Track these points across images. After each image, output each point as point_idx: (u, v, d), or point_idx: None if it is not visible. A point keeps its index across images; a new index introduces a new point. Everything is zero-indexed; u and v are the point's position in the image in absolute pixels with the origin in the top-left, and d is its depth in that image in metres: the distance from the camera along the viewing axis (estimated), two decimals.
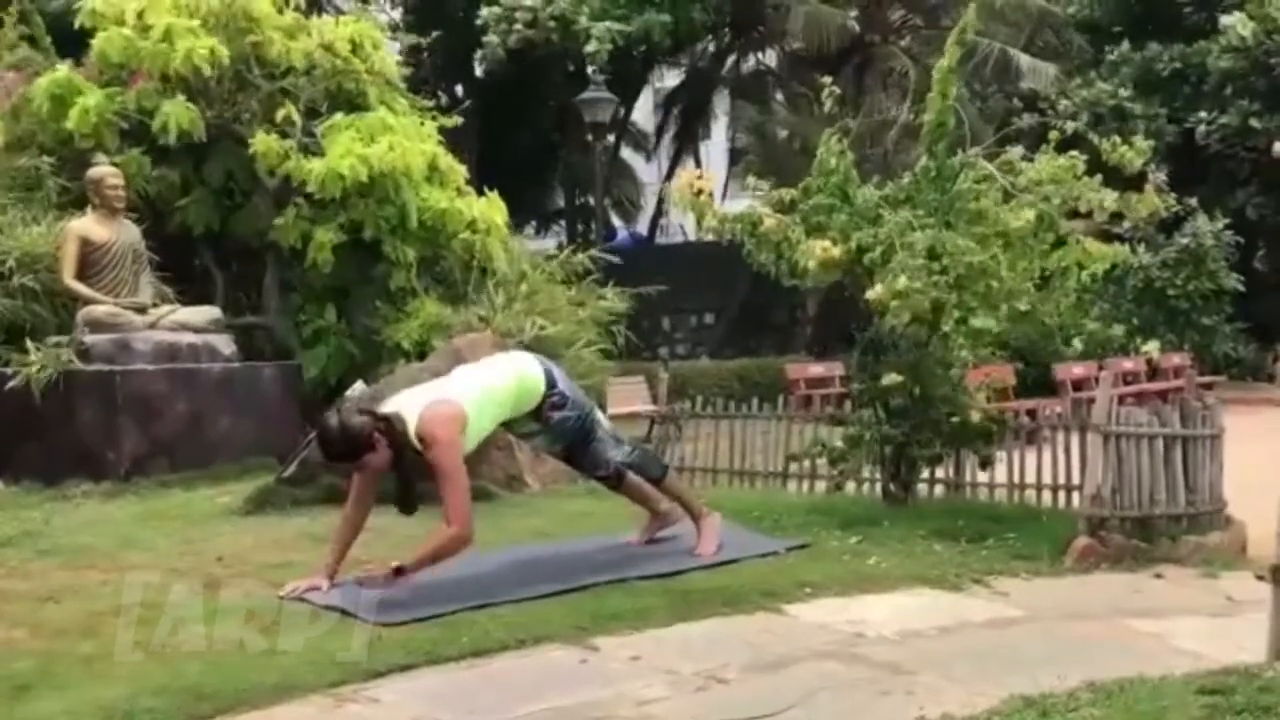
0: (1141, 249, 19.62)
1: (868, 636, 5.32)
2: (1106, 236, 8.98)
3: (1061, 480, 7.99)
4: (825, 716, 4.37)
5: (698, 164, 26.21)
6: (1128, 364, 17.92)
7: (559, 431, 6.21)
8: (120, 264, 9.58)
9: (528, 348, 8.44)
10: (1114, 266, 8.78)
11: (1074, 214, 8.12)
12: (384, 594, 5.41)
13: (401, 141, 10.50)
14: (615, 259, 12.63)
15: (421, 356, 9.40)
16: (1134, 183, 8.17)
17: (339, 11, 17.56)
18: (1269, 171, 22.04)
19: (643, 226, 30.85)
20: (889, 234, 7.80)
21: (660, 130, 28.88)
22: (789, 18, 22.74)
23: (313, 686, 4.54)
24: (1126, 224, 8.87)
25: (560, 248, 13.74)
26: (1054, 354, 18.16)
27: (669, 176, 22.71)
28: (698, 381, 16.51)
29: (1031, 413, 9.59)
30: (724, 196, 22.14)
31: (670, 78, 28.69)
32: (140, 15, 10.53)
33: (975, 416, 7.79)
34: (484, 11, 21.11)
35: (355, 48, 11.15)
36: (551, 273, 11.34)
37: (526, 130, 24.34)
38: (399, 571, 5.52)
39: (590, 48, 20.41)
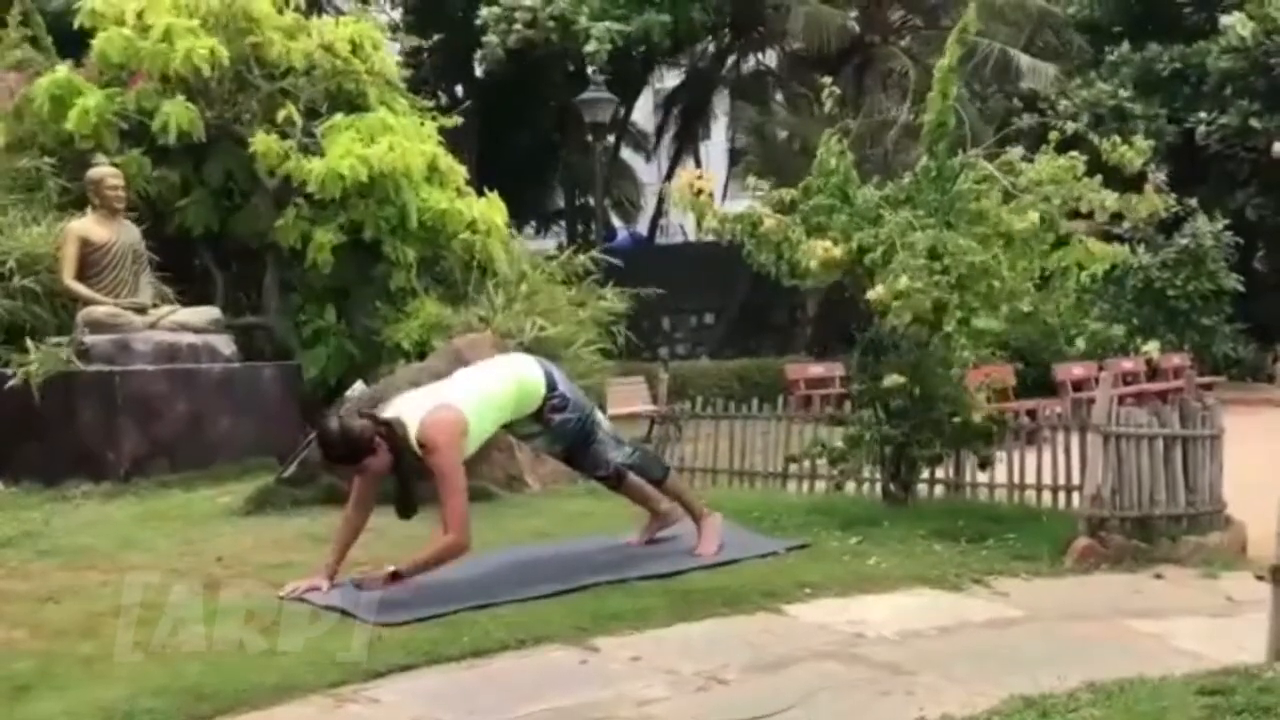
0: (1141, 249, 19.63)
1: (868, 637, 5.32)
2: (1106, 237, 8.99)
3: (1061, 481, 7.99)
4: (825, 717, 4.37)
5: (698, 164, 26.24)
6: (1127, 364, 17.92)
7: (559, 433, 6.21)
8: (120, 264, 9.58)
9: (528, 348, 8.46)
10: (1114, 267, 8.79)
11: (1074, 214, 8.12)
12: (384, 594, 5.42)
13: (401, 142, 10.50)
14: (616, 261, 12.62)
15: (421, 357, 9.39)
16: (1134, 183, 8.18)
17: (339, 12, 17.55)
18: (1269, 172, 22.04)
19: (643, 227, 30.85)
20: (890, 234, 7.81)
21: (660, 130, 28.89)
22: (789, 18, 22.76)
23: (313, 687, 4.54)
24: (1126, 224, 8.88)
25: (560, 248, 13.74)
26: (1055, 354, 18.17)
27: (669, 177, 22.68)
28: (698, 382, 16.51)
29: (1031, 413, 9.59)
30: (724, 197, 22.11)
31: (670, 78, 28.70)
32: (140, 15, 10.52)
33: (977, 417, 7.79)
34: (483, 11, 21.11)
35: (355, 48, 11.14)
36: (551, 273, 11.33)
37: (526, 130, 24.34)
38: (395, 576, 5.52)
39: (590, 48, 20.41)
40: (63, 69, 10.78)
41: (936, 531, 7.11)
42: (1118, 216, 8.13)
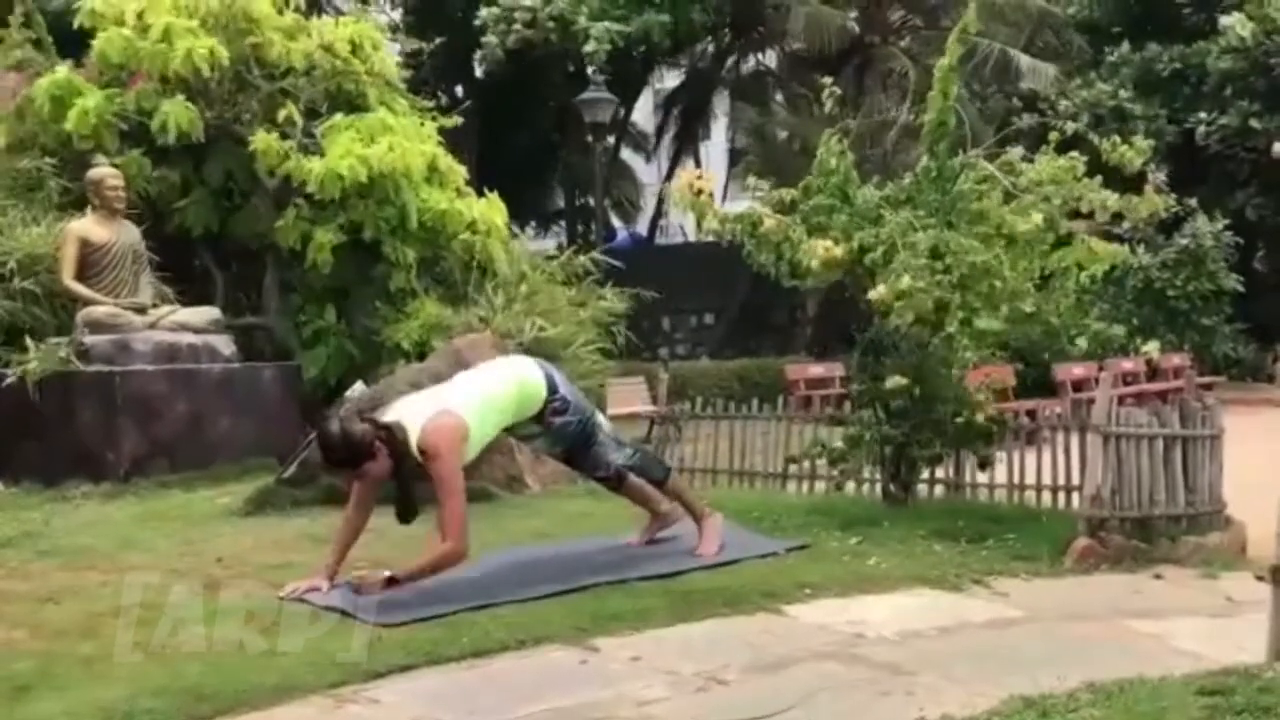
0: (1141, 249, 19.63)
1: (868, 637, 5.32)
2: (1106, 237, 8.99)
3: (1061, 481, 7.98)
4: (825, 717, 4.37)
5: (697, 164, 26.21)
6: (1127, 364, 17.91)
7: (560, 436, 6.21)
8: (120, 265, 9.58)
9: (528, 349, 8.46)
10: (1114, 267, 8.79)
11: (1074, 214, 8.13)
12: (384, 594, 5.42)
13: (401, 142, 10.51)
14: (616, 261, 12.62)
15: (421, 357, 9.40)
16: (1134, 183, 8.18)
17: (339, 12, 17.55)
18: (1269, 172, 22.03)
19: (643, 227, 30.84)
20: (890, 234, 7.81)
21: (660, 131, 28.88)
22: (789, 18, 22.75)
23: (313, 687, 4.53)
24: (1126, 224, 8.88)
25: (560, 248, 13.74)
26: (1056, 354, 18.15)
27: (669, 177, 22.69)
28: (698, 382, 16.49)
29: (1031, 413, 9.58)
30: (724, 197, 22.13)
31: (670, 78, 28.68)
32: (140, 15, 10.53)
33: (981, 416, 7.79)
34: (483, 12, 21.10)
35: (355, 48, 11.16)
36: (551, 273, 11.33)
37: (526, 131, 24.33)
38: (392, 582, 5.52)
39: (589, 48, 20.40)
40: (63, 69, 10.79)
41: (936, 532, 7.11)
42: (1118, 217, 8.14)
